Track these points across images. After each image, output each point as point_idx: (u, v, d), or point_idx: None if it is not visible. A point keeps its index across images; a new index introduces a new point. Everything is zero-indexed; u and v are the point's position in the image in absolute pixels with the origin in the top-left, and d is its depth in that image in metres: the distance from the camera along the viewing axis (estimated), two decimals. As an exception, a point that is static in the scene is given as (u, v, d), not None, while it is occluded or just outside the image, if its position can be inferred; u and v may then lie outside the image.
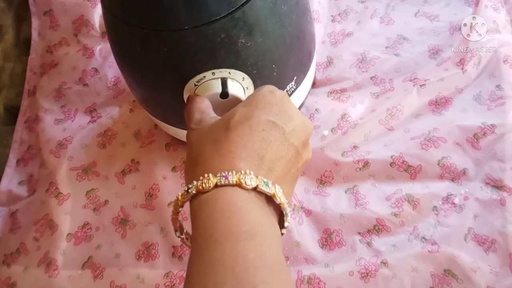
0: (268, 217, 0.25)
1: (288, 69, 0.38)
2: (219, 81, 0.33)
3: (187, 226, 0.26)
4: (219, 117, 0.29)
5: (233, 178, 0.24)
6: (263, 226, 0.24)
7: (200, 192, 0.24)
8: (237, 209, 0.23)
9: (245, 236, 0.22)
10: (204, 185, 0.24)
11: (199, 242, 0.23)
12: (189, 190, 0.25)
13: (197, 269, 0.22)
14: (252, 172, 0.25)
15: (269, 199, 0.25)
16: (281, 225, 0.26)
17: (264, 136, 0.26)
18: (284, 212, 0.26)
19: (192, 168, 0.27)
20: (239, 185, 0.24)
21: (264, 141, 0.26)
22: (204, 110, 0.31)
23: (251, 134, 0.26)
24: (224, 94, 0.33)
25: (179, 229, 0.28)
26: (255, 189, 0.24)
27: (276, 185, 0.25)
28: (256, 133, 0.26)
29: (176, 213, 0.26)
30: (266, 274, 0.21)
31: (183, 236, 0.28)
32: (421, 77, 0.47)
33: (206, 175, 0.24)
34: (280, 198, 0.25)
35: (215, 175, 0.24)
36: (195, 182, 0.25)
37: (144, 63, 0.35)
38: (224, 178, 0.24)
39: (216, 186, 0.24)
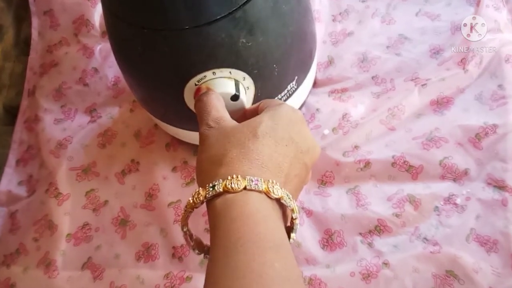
0: (284, 229, 0.25)
1: (289, 68, 0.38)
2: (220, 81, 0.33)
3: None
4: (235, 123, 0.29)
5: (262, 184, 0.24)
6: (285, 238, 0.24)
7: (226, 192, 0.24)
8: (264, 217, 0.24)
9: (271, 245, 0.23)
10: (233, 185, 0.24)
11: (224, 244, 0.23)
12: (215, 187, 0.24)
13: (223, 271, 0.22)
14: (278, 183, 0.25)
15: (283, 212, 0.26)
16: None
17: (286, 152, 0.27)
18: (295, 228, 0.26)
19: (214, 167, 0.26)
20: (266, 192, 0.24)
21: (285, 156, 0.27)
22: (220, 109, 0.31)
23: (276, 147, 0.26)
24: (236, 96, 0.33)
25: (197, 246, 0.28)
26: (277, 200, 0.25)
27: (294, 199, 0.26)
28: (279, 147, 0.27)
29: (192, 207, 0.25)
30: (290, 286, 0.22)
31: (207, 256, 0.28)
32: (422, 76, 0.46)
33: (235, 176, 0.24)
34: (297, 213, 0.26)
35: (243, 178, 0.24)
36: (221, 180, 0.24)
37: (145, 62, 0.35)
38: (254, 183, 0.24)
39: (245, 189, 0.24)
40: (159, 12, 0.30)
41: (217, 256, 0.23)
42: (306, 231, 0.42)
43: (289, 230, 0.27)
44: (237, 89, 0.33)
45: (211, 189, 0.24)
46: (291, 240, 0.27)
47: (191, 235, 0.28)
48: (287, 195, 0.25)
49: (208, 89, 0.32)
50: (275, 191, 0.24)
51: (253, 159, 0.26)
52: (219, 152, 0.27)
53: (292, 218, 0.26)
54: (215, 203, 0.25)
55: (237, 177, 0.24)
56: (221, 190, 0.24)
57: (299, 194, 0.29)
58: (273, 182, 0.25)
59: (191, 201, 0.25)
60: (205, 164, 0.27)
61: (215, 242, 0.24)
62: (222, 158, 0.26)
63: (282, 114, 0.28)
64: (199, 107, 0.31)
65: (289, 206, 0.25)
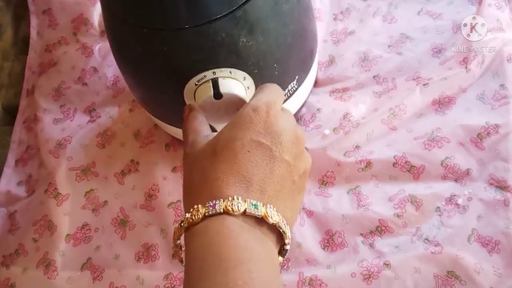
0: (260, 240, 0.24)
1: (290, 68, 0.38)
2: (199, 90, 0.33)
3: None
4: (213, 135, 0.28)
5: (220, 206, 0.24)
6: (252, 251, 0.23)
7: (191, 225, 0.24)
8: (225, 237, 0.23)
9: (233, 264, 0.22)
10: (193, 217, 0.24)
11: (190, 274, 0.23)
12: (182, 224, 0.25)
13: None
14: (239, 198, 0.24)
15: (264, 221, 0.25)
16: (284, 243, 0.26)
17: (250, 158, 0.25)
18: (281, 230, 0.25)
19: (185, 199, 0.27)
20: (226, 212, 0.24)
21: (250, 163, 0.25)
22: (196, 129, 0.30)
23: (236, 158, 0.25)
24: (217, 95, 0.32)
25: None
26: (244, 213, 0.24)
27: (268, 205, 0.25)
28: (240, 155, 0.25)
29: (175, 245, 0.26)
30: None
31: None
32: (424, 76, 0.46)
33: (195, 206, 0.24)
34: (272, 217, 0.24)
35: (204, 205, 0.24)
36: (187, 215, 0.25)
37: (144, 62, 0.35)
38: (211, 208, 0.24)
39: (205, 216, 0.24)
40: (159, 12, 0.30)
41: (185, 286, 0.23)
42: (306, 231, 0.42)
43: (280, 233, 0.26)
44: (216, 86, 0.32)
45: (179, 227, 0.25)
46: (286, 240, 0.26)
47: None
48: (253, 205, 0.24)
49: (188, 110, 0.32)
50: (234, 207, 0.23)
51: (213, 180, 0.25)
52: (187, 182, 0.27)
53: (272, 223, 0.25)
54: (185, 237, 0.25)
55: (197, 207, 0.24)
56: (186, 225, 0.24)
57: (295, 195, 0.28)
58: (233, 199, 0.24)
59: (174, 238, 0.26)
60: (183, 195, 0.28)
61: (185, 274, 0.24)
62: (189, 188, 0.26)
63: (241, 119, 0.27)
64: (183, 134, 0.31)
65: (258, 215, 0.24)
